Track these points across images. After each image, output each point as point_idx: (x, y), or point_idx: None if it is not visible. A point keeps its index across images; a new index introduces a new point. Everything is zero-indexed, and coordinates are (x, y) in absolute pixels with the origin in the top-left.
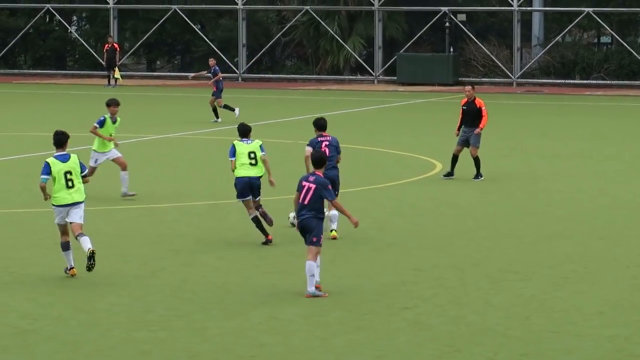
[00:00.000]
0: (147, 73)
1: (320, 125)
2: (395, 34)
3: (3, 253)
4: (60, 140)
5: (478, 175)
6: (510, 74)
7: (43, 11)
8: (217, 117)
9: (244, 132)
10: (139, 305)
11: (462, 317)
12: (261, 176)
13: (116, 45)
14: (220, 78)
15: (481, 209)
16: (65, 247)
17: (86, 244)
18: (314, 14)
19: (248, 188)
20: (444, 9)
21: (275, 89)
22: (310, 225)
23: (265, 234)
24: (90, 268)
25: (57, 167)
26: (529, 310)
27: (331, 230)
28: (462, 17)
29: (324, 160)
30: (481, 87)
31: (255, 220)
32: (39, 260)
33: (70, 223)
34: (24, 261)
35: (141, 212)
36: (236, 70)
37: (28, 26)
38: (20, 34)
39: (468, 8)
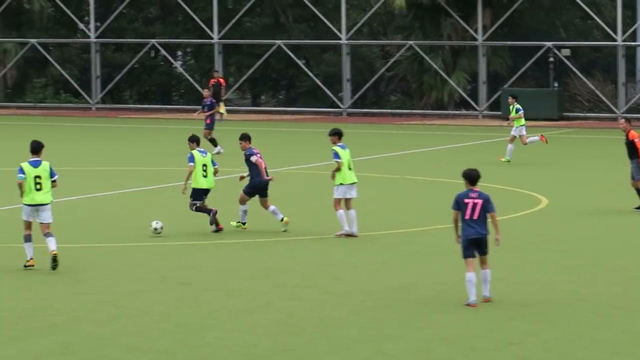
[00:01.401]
0: (252, 108)
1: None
2: (499, 68)
3: (110, 287)
4: (35, 148)
5: None
6: (615, 109)
7: (148, 46)
8: (216, 146)
9: None
10: (246, 340)
11: (569, 353)
12: None
13: (222, 80)
14: (217, 112)
15: (587, 244)
16: (27, 239)
17: (52, 245)
18: (417, 49)
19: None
20: (548, 44)
21: (379, 123)
22: (485, 239)
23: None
24: (54, 268)
25: (28, 170)
26: (637, 346)
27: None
28: (567, 52)
29: (478, 176)
30: (586, 122)
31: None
32: (144, 294)
33: (40, 223)
34: (131, 295)
35: (247, 246)
36: (340, 105)
37: (133, 61)
38: (125, 69)
39: (572, 43)
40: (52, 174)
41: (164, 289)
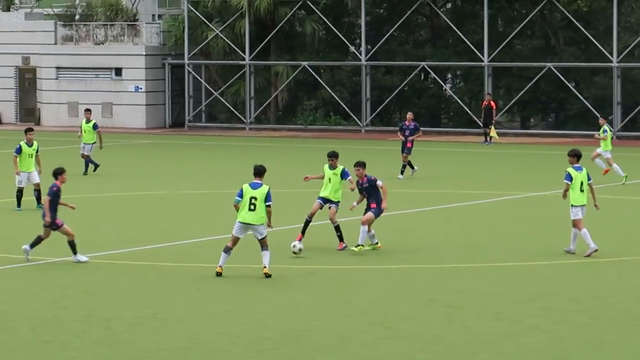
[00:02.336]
0: (521, 130)
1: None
2: None
3: (379, 308)
4: (258, 171)
5: None
6: None
7: (418, 69)
8: (413, 168)
9: None
10: None
11: None
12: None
13: (493, 104)
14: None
15: None
16: (226, 250)
17: (264, 259)
18: None
19: None
20: None
21: None
22: None
23: None
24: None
25: (247, 191)
26: None
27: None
28: None
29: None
30: None
31: None
32: (413, 315)
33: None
34: (399, 316)
35: (515, 270)
36: (611, 129)
37: (403, 84)
38: (395, 92)
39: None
40: (267, 199)
41: (431, 311)
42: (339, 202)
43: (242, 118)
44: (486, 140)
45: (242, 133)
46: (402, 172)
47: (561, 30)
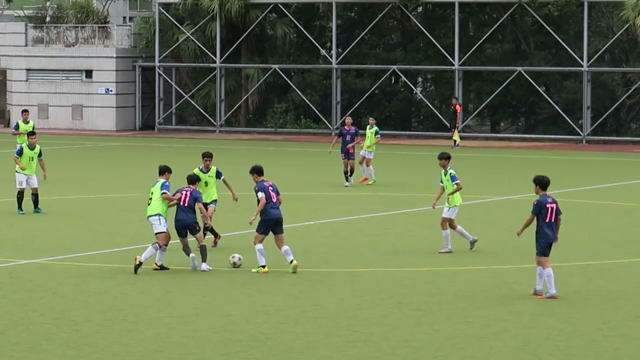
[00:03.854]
0: (491, 134)
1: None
2: None
3: (347, 312)
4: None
5: None
6: None
7: (389, 72)
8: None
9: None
10: None
11: None
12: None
13: (457, 107)
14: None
15: None
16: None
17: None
18: None
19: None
20: None
21: (619, 151)
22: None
23: None
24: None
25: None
26: None
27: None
28: None
29: (549, 183)
30: None
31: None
32: (381, 319)
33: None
34: (368, 320)
35: (484, 273)
36: (580, 133)
37: (374, 87)
38: (366, 95)
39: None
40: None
41: (400, 315)
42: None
43: (213, 121)
44: (455, 144)
45: (212, 136)
46: (347, 179)
47: (532, 34)
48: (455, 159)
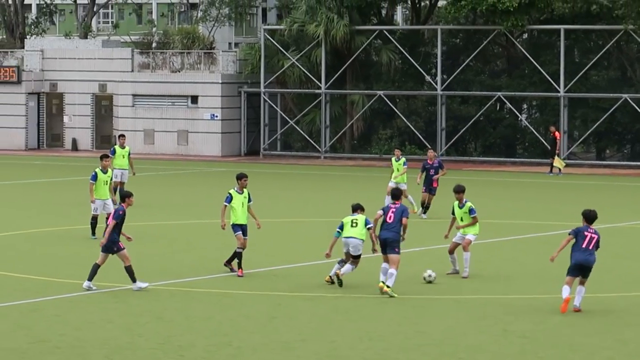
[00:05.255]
0: (597, 162)
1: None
2: None
3: (452, 339)
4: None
5: None
6: None
7: (494, 99)
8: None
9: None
10: None
11: None
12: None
13: (557, 134)
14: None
15: None
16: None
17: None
18: None
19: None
20: None
21: None
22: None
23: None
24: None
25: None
26: None
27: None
28: None
29: (595, 217)
30: None
31: None
32: (486, 347)
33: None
34: (471, 347)
35: (589, 301)
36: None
37: (479, 114)
38: (471, 122)
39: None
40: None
41: (505, 342)
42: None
43: (317, 147)
44: (551, 171)
45: (317, 162)
46: (424, 212)
47: (638, 61)
48: (561, 185)
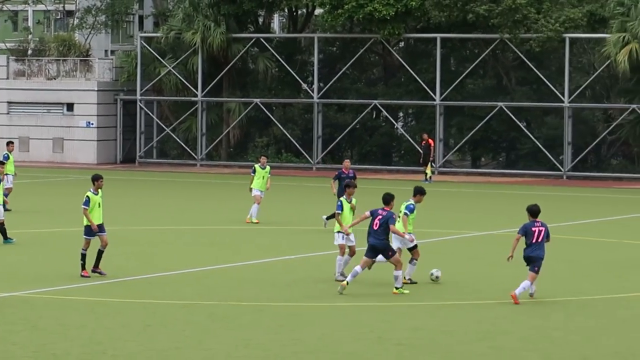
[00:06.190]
0: (472, 169)
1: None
2: None
3: (328, 346)
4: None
5: None
6: None
7: (370, 107)
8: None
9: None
10: None
11: None
12: None
13: (431, 141)
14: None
15: None
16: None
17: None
18: None
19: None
20: None
21: (600, 187)
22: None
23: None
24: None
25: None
26: None
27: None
28: None
29: (539, 211)
30: None
31: None
32: (361, 354)
33: None
34: (348, 355)
35: (466, 308)
36: (561, 169)
37: (355, 122)
38: (347, 130)
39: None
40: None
41: (381, 350)
42: None
43: (194, 154)
44: (426, 179)
45: (193, 169)
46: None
47: (513, 70)
48: (436, 193)
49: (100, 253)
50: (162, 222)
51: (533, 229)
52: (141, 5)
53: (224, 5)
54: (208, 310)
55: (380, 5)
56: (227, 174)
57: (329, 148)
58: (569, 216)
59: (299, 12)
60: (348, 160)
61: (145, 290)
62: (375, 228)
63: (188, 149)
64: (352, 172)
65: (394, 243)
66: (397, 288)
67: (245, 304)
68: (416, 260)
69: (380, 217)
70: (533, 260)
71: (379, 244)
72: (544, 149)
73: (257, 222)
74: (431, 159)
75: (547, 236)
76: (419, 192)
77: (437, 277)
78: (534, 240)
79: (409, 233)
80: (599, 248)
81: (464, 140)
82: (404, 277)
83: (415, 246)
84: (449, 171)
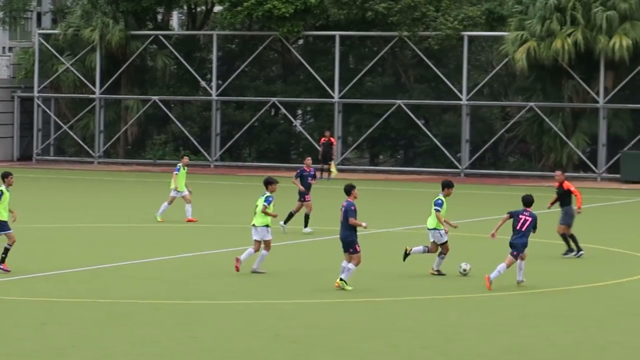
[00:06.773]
0: (370, 167)
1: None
2: (620, 131)
3: (223, 344)
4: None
5: None
6: None
7: (269, 105)
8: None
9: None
10: None
11: None
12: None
13: (332, 140)
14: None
15: None
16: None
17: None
18: (538, 111)
19: None
20: None
21: (497, 184)
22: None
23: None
24: None
25: None
26: None
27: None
28: None
29: (532, 201)
30: None
31: None
32: (256, 352)
33: None
34: (244, 353)
35: (362, 306)
36: (459, 166)
37: (254, 119)
38: (245, 127)
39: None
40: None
41: (277, 347)
42: None
43: (91, 152)
44: (322, 176)
45: (91, 167)
46: (306, 225)
47: (412, 67)
48: (331, 191)
49: (6, 250)
50: (59, 219)
51: (520, 216)
52: (39, 2)
53: (122, 2)
54: (105, 308)
55: (280, 3)
56: (125, 171)
57: (227, 146)
58: (466, 213)
59: (198, 9)
60: (310, 158)
61: (42, 289)
62: (342, 219)
63: (86, 147)
64: (313, 170)
65: (430, 238)
66: (341, 280)
67: (142, 302)
68: (444, 254)
69: (342, 208)
70: (516, 247)
71: (343, 236)
72: (441, 147)
73: (161, 221)
74: (334, 157)
75: (533, 227)
76: (447, 185)
77: (464, 270)
78: (517, 227)
79: (437, 229)
80: (496, 245)
81: (362, 138)
82: (432, 268)
83: (446, 241)
84: (347, 169)
